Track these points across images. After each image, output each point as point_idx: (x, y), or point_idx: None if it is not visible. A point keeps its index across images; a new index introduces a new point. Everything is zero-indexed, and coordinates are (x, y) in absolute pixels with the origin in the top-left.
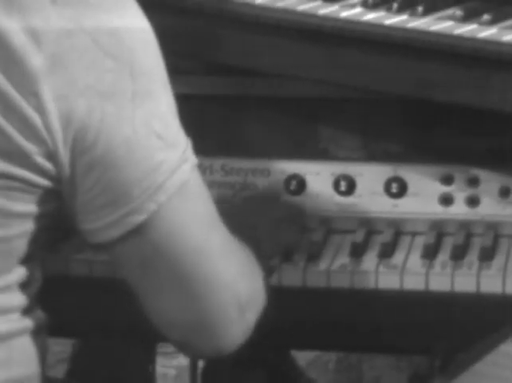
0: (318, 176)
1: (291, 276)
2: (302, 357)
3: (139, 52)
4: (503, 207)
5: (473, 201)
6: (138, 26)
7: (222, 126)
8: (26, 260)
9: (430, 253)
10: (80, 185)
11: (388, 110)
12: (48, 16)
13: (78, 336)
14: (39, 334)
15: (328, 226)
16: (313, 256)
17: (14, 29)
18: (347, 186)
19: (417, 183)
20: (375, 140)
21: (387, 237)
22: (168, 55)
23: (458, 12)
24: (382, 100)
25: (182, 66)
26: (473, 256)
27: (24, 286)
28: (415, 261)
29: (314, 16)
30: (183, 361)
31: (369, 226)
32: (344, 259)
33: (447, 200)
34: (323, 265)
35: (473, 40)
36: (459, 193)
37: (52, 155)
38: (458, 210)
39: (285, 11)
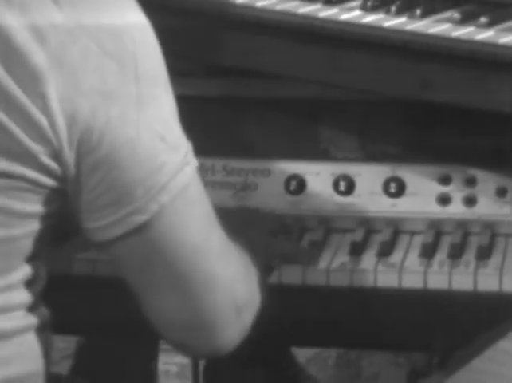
0: (318, 176)
1: (291, 274)
2: (302, 354)
3: (143, 56)
4: (500, 207)
5: (470, 201)
6: (141, 29)
7: (223, 127)
8: (31, 259)
9: (428, 252)
10: (85, 184)
11: (387, 111)
12: (50, 15)
13: (82, 333)
14: (44, 331)
15: (328, 225)
16: (314, 256)
17: (16, 26)
18: (346, 186)
19: (415, 183)
20: (374, 140)
21: (385, 236)
22: (170, 57)
23: (455, 14)
24: (381, 102)
25: (184, 68)
26: (470, 255)
27: (29, 283)
28: (414, 260)
29: (314, 18)
30: (184, 358)
31: (368, 225)
32: (343, 258)
33: (444, 200)
34: (323, 263)
35: (470, 42)
36: (457, 193)
37: (57, 156)
38: (456, 209)
39: (286, 13)
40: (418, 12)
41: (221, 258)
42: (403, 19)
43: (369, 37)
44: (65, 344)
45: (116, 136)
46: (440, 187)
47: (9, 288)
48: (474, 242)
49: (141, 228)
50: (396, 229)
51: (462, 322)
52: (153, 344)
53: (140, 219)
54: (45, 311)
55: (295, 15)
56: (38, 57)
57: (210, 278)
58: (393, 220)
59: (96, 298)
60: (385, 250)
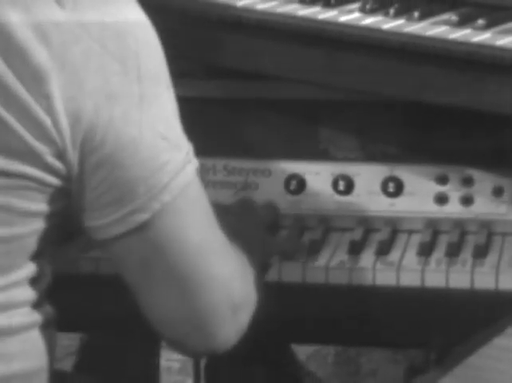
0: (318, 176)
1: (291, 272)
2: (302, 351)
3: (145, 56)
4: (496, 206)
5: (467, 200)
6: (143, 29)
7: (224, 128)
8: (37, 256)
9: (425, 250)
10: (88, 183)
11: (385, 112)
12: (53, 15)
13: (85, 330)
14: (48, 328)
15: (327, 224)
16: (313, 253)
17: (20, 24)
18: (345, 185)
19: (413, 182)
20: (372, 141)
21: (384, 235)
22: (172, 59)
23: (453, 17)
24: (379, 103)
25: (185, 69)
26: (467, 253)
27: (34, 281)
28: (411, 258)
29: (314, 21)
30: None
31: (367, 224)
32: (342, 256)
33: (442, 199)
34: (322, 262)
35: (467, 44)
36: (454, 192)
37: (61, 155)
38: (453, 209)
39: (286, 16)
40: (416, 14)
41: (219, 257)
42: (401, 21)
43: (368, 39)
44: (69, 341)
45: (119, 135)
46: (438, 187)
47: (13, 285)
48: (471, 241)
49: (142, 227)
50: (394, 228)
51: (459, 320)
52: (155, 341)
53: (142, 217)
54: (49, 309)
55: (295, 17)
56: (41, 56)
57: (208, 277)
58: (391, 219)
59: (100, 296)
60: (383, 249)
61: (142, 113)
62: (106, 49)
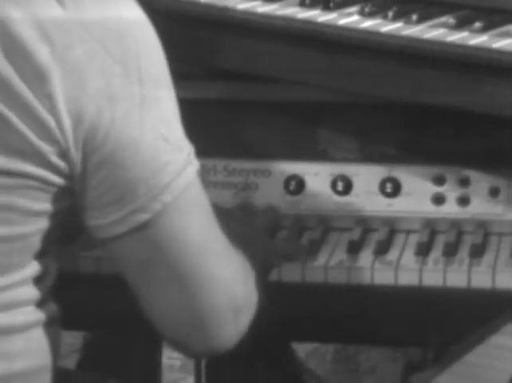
0: (317, 177)
1: (291, 272)
2: (302, 349)
3: (146, 58)
4: (493, 206)
5: (464, 200)
6: (144, 31)
7: (225, 129)
8: (41, 255)
9: (423, 250)
10: (90, 182)
11: (384, 114)
12: (56, 16)
13: (89, 329)
14: (52, 326)
15: (326, 224)
16: (312, 253)
17: (23, 23)
18: (344, 186)
19: (411, 183)
20: (370, 142)
21: (382, 235)
22: (174, 61)
23: (450, 20)
24: (378, 105)
25: (187, 72)
26: (464, 253)
27: (38, 279)
28: (409, 258)
29: (313, 23)
30: None
31: (365, 224)
32: (341, 256)
33: (439, 200)
34: (321, 261)
35: (465, 47)
36: (451, 193)
37: (65, 155)
38: (450, 209)
39: (286, 19)
40: (414, 17)
41: (220, 259)
42: (399, 24)
43: (367, 42)
44: (73, 339)
45: (121, 135)
46: (435, 188)
47: (18, 284)
48: (468, 240)
49: (143, 226)
50: (392, 228)
51: (456, 318)
52: (157, 339)
53: (143, 217)
54: (53, 307)
55: (295, 20)
56: (43, 54)
57: (209, 278)
58: (389, 219)
59: (102, 295)
60: (382, 249)
61: (143, 115)
62: (108, 52)
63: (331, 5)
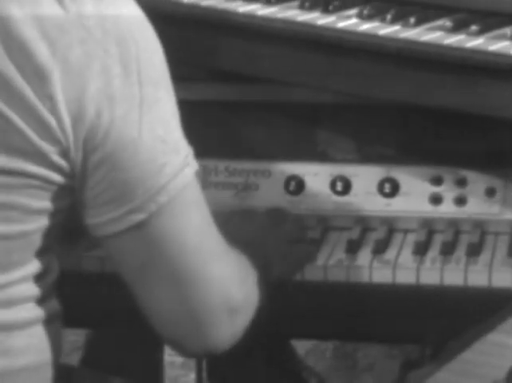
0: (316, 177)
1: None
2: (301, 346)
3: (145, 60)
4: (489, 206)
5: (461, 200)
6: (144, 32)
7: (225, 130)
8: (42, 253)
9: (420, 249)
10: (89, 181)
11: (382, 115)
12: (57, 17)
13: (91, 326)
14: (54, 323)
15: (326, 224)
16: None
17: (22, 20)
18: (343, 186)
19: (409, 183)
20: (369, 143)
21: (380, 234)
22: (175, 63)
23: (447, 23)
24: (376, 106)
25: (188, 74)
26: (461, 252)
27: (40, 276)
28: (407, 256)
29: (313, 26)
30: None
31: (364, 224)
32: (340, 255)
33: (436, 200)
34: (321, 260)
35: (461, 49)
36: (448, 193)
37: (66, 154)
38: (447, 209)
39: (286, 21)
40: (412, 20)
41: (216, 260)
42: (397, 27)
43: (365, 45)
44: (76, 336)
45: (120, 135)
46: (432, 188)
47: (19, 281)
48: (465, 239)
49: (139, 226)
50: (391, 227)
51: (453, 316)
52: (158, 336)
53: (139, 217)
54: (55, 304)
55: (295, 23)
56: (44, 56)
57: (203, 279)
58: (387, 219)
59: (105, 294)
60: (380, 248)
61: (142, 116)
62: (108, 53)
63: (330, 8)
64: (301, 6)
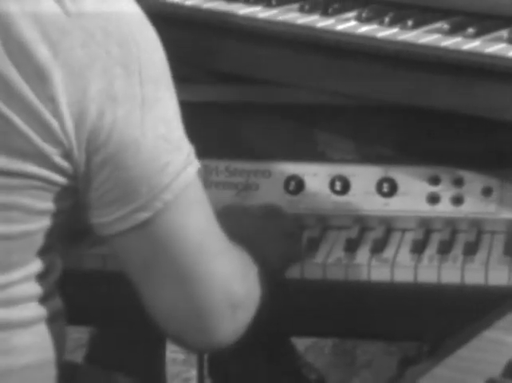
0: (315, 177)
1: (290, 268)
2: (301, 343)
3: (147, 60)
4: (486, 206)
5: (458, 200)
6: (145, 32)
7: (226, 131)
8: (44, 252)
9: (418, 248)
10: (93, 182)
11: (380, 116)
12: (59, 18)
13: (94, 324)
14: (57, 321)
15: (325, 223)
16: (311, 250)
17: (23, 20)
18: (342, 186)
19: (406, 183)
20: (367, 143)
21: (379, 233)
22: (177, 65)
23: (444, 26)
24: (375, 107)
25: (190, 75)
26: (458, 251)
27: (42, 275)
28: (405, 255)
29: (312, 29)
30: None
31: (362, 223)
32: (339, 253)
33: (434, 199)
34: (320, 258)
35: (458, 51)
36: (445, 193)
37: (68, 155)
38: (445, 208)
39: (286, 24)
40: (409, 23)
41: (218, 256)
42: (395, 30)
43: (364, 47)
44: (79, 334)
45: (122, 135)
46: (430, 187)
47: (22, 280)
48: (462, 238)
49: (144, 224)
50: (389, 227)
51: (450, 313)
52: (160, 333)
53: (144, 215)
54: (58, 301)
55: (294, 26)
56: (45, 57)
57: (206, 275)
58: (386, 218)
59: (108, 291)
60: (378, 247)
61: (144, 115)
62: (110, 54)
63: (329, 11)
64: (301, 9)
